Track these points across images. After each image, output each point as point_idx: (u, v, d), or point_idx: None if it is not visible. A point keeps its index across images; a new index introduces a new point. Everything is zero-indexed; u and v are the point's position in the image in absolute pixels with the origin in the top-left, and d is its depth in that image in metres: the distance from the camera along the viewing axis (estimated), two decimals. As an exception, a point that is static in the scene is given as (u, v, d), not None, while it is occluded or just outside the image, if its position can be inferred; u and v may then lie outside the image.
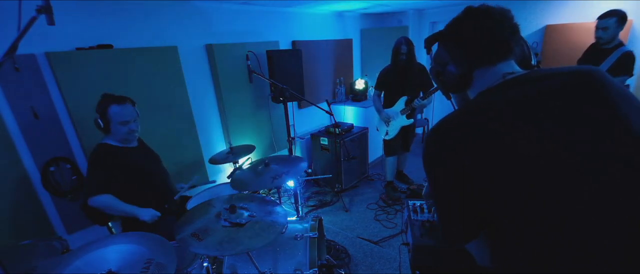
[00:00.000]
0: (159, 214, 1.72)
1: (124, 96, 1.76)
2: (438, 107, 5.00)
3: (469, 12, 0.79)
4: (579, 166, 0.60)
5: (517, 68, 0.77)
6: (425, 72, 3.04)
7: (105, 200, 1.65)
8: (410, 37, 4.69)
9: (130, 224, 1.78)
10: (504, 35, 0.75)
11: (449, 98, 0.93)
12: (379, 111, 3.15)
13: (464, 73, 0.80)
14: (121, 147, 1.79)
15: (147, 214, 1.68)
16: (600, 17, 2.51)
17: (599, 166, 0.60)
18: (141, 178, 1.83)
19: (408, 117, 3.06)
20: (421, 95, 2.91)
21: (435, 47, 0.90)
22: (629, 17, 2.57)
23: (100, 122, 1.69)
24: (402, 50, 2.82)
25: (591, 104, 0.65)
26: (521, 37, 0.86)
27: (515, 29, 0.76)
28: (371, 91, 3.18)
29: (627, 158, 0.61)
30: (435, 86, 2.90)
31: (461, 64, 0.79)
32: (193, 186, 2.04)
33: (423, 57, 4.99)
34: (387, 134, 3.19)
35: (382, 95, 3.17)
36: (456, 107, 0.92)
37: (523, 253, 0.64)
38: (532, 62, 0.93)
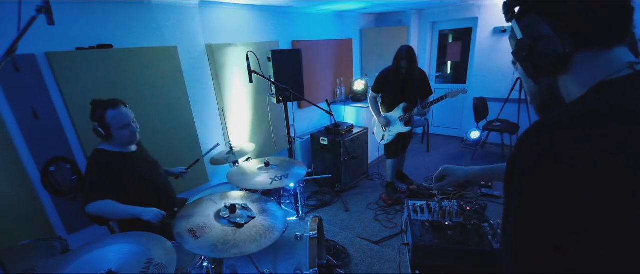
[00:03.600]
0: (164, 213, 1.63)
1: (115, 99, 1.69)
2: (438, 108, 5.00)
3: None
4: None
5: (633, 58, 0.57)
6: (426, 80, 3.04)
7: (103, 206, 1.60)
8: (410, 37, 4.74)
9: (129, 225, 1.76)
10: (625, 7, 0.56)
11: (538, 83, 0.69)
12: (376, 115, 3.14)
13: (565, 53, 0.58)
14: (118, 153, 1.73)
15: (151, 213, 1.60)
16: None
17: None
18: (140, 183, 1.78)
19: (406, 124, 3.06)
20: (420, 104, 2.91)
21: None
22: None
23: (101, 131, 1.64)
24: (402, 65, 2.81)
25: None
26: None
27: (633, 7, 0.57)
28: (370, 92, 3.18)
29: None
30: (434, 97, 2.92)
31: (564, 40, 0.58)
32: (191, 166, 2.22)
33: (424, 63, 5.01)
34: (383, 139, 3.19)
35: (379, 98, 3.17)
36: (532, 95, 0.73)
37: None
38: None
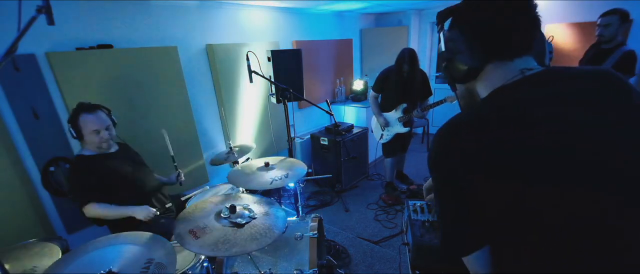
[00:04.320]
0: (153, 210, 1.71)
1: (97, 104, 1.72)
2: (438, 108, 4.98)
3: None
4: (625, 174, 0.55)
5: (535, 64, 0.69)
6: (426, 81, 3.04)
7: (98, 208, 1.65)
8: (410, 37, 4.74)
9: (120, 227, 1.76)
10: (527, 26, 0.67)
11: (454, 89, 0.85)
12: (376, 114, 3.14)
13: (476, 66, 0.71)
14: (96, 156, 1.75)
15: (142, 212, 1.68)
16: (603, 15, 2.51)
17: None
18: (123, 182, 1.79)
19: (405, 125, 3.06)
20: (419, 106, 2.91)
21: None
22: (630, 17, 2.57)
23: (72, 132, 1.67)
24: (404, 68, 2.80)
25: (627, 107, 0.62)
26: (540, 32, 0.79)
27: (538, 22, 0.68)
28: (371, 92, 3.18)
29: None
30: (433, 98, 2.92)
31: (475, 55, 0.70)
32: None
33: (424, 63, 5.00)
34: (381, 137, 3.19)
35: (379, 97, 3.16)
36: (458, 97, 0.86)
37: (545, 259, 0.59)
38: (546, 61, 0.87)
